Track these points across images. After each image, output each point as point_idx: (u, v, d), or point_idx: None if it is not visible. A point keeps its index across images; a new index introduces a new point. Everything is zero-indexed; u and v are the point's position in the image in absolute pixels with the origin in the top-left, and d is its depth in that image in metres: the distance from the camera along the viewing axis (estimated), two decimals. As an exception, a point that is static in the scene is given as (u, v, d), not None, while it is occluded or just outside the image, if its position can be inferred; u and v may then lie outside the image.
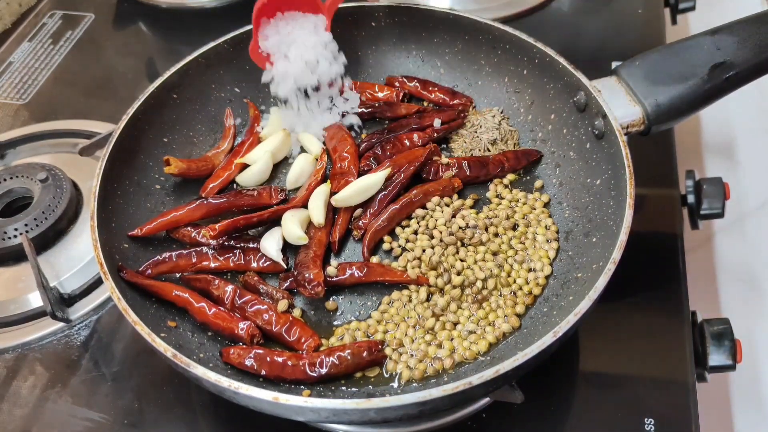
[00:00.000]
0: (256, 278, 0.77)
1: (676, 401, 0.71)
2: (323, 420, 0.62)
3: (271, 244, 0.78)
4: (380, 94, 0.95)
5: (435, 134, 0.90)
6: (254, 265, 0.78)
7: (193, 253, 0.78)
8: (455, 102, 0.93)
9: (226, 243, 0.79)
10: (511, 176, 0.87)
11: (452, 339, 0.72)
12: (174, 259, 0.77)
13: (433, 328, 0.72)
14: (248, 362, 0.68)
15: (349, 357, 0.68)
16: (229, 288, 0.75)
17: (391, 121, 0.94)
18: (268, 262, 0.78)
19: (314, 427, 0.73)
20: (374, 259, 0.79)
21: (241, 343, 0.71)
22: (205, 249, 0.79)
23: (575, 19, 1.19)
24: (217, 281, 0.76)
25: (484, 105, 0.94)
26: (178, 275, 0.78)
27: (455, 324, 0.73)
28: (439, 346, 0.71)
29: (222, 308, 0.73)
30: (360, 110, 0.93)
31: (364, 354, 0.69)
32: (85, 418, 0.75)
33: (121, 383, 0.77)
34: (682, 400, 0.71)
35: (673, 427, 0.70)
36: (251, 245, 0.80)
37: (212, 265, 0.78)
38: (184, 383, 0.76)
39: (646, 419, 0.70)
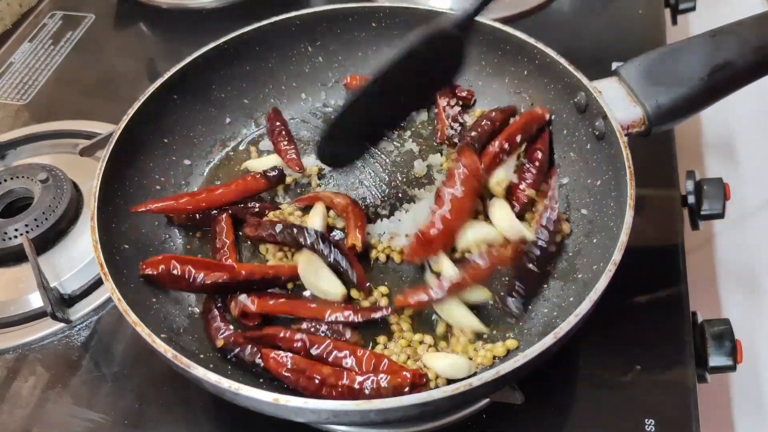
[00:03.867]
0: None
1: (677, 402, 0.71)
2: (323, 421, 0.62)
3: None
4: None
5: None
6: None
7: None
8: (459, 95, 0.93)
9: None
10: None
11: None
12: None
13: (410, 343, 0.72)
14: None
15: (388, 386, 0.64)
16: (299, 337, 0.69)
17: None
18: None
19: (315, 428, 0.73)
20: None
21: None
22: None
23: (576, 19, 1.19)
24: (282, 332, 0.70)
25: (485, 106, 0.94)
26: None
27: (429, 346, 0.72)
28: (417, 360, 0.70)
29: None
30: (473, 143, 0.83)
31: (406, 389, 0.64)
32: (86, 419, 0.75)
33: (122, 384, 0.77)
34: (682, 400, 0.71)
35: (674, 427, 0.69)
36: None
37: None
38: (184, 384, 0.76)
39: (646, 419, 0.70)
